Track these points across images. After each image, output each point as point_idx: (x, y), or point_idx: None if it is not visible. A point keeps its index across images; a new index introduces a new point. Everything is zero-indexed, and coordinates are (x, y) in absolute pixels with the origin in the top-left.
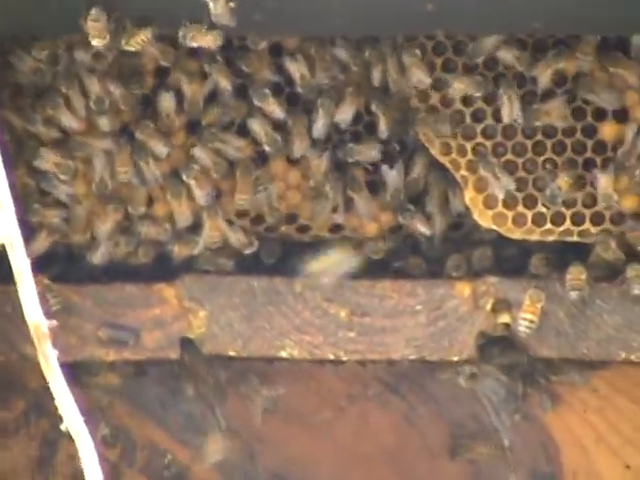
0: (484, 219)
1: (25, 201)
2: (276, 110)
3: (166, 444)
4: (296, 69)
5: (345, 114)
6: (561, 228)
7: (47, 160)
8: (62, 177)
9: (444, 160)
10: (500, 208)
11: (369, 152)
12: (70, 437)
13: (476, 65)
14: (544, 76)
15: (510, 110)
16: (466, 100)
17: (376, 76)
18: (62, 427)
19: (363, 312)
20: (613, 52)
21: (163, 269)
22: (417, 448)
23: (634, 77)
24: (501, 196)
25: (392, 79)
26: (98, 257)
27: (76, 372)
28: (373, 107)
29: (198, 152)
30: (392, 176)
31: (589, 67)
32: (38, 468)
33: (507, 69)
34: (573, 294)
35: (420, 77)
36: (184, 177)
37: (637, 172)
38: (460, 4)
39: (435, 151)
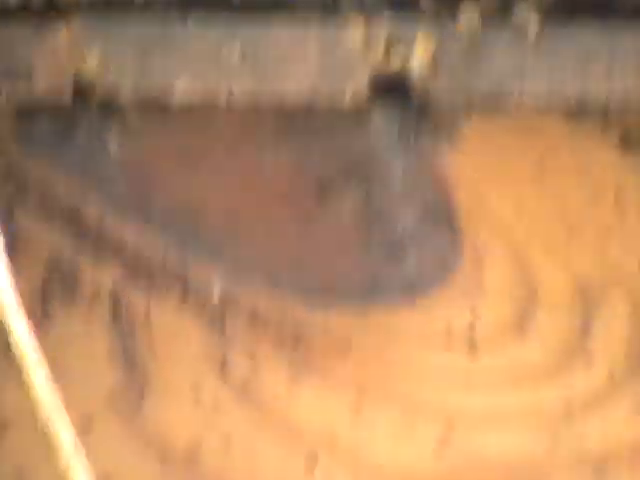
0: None
1: None
2: None
3: (57, 181)
4: None
5: None
6: None
7: None
8: None
9: None
10: None
11: None
12: None
13: None
14: None
15: None
16: None
17: None
18: None
19: (256, 50)
20: None
21: (56, 5)
22: (310, 190)
23: None
24: None
25: None
26: None
27: None
28: None
29: None
30: None
31: None
32: None
33: None
34: (465, 32)
35: None
36: None
37: None
38: None
39: None
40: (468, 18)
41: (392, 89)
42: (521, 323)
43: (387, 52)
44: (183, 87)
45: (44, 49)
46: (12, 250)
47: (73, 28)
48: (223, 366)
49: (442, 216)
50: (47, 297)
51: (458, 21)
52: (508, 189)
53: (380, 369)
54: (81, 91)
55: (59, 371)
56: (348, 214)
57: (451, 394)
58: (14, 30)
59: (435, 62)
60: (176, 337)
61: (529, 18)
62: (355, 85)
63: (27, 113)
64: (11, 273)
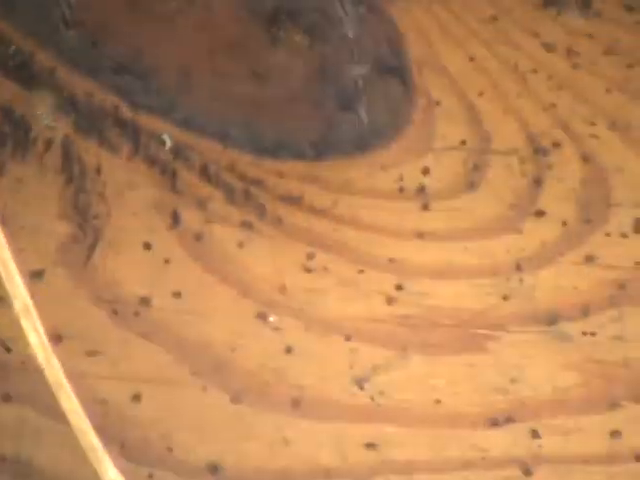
0: None
1: None
2: None
3: (10, 35)
4: None
5: None
6: None
7: None
8: None
9: None
10: None
11: None
12: None
13: None
14: None
15: None
16: None
17: None
18: None
19: None
20: None
21: None
22: (261, 40)
23: None
24: None
25: None
26: None
27: None
28: None
29: None
30: None
31: None
32: None
33: None
34: None
35: None
36: None
37: None
38: None
39: None
40: None
41: None
42: (473, 176)
43: None
44: None
45: None
46: None
47: None
48: (174, 219)
49: (395, 69)
50: None
51: None
52: (461, 42)
53: (332, 222)
54: None
55: (10, 224)
56: (299, 65)
57: (402, 248)
58: None
59: None
60: (127, 190)
61: None
62: None
63: None
64: None
